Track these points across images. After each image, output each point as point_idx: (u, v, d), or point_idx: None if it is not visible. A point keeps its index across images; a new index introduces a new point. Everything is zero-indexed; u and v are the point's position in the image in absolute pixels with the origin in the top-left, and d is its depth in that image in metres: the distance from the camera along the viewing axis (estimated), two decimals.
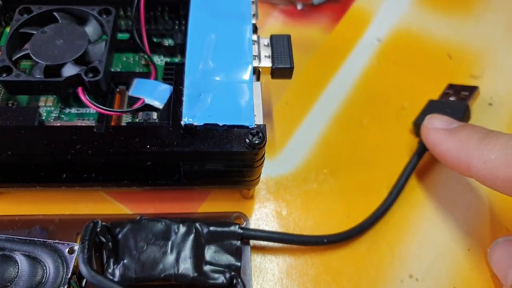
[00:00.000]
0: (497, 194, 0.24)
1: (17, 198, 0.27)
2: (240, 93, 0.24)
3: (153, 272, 0.23)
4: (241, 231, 0.25)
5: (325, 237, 0.26)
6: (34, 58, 0.24)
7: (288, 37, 0.27)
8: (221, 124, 0.23)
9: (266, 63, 0.26)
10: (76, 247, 0.23)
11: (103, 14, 0.26)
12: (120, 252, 0.23)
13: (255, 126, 0.23)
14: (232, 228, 0.25)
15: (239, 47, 0.25)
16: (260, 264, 0.26)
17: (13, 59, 0.24)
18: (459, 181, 0.29)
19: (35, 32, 0.25)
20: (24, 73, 0.24)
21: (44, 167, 0.25)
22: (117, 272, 0.23)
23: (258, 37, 0.27)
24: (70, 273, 0.22)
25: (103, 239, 0.23)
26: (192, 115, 0.23)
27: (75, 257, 0.22)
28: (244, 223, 0.27)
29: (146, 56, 0.28)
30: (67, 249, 0.23)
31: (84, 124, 0.25)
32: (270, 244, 0.27)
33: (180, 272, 0.23)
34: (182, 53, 0.28)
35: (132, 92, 0.25)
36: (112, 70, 0.27)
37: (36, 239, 0.23)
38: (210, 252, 0.24)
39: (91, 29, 0.26)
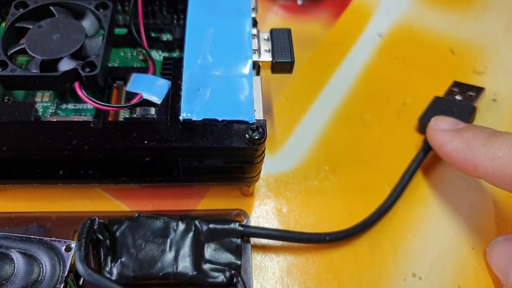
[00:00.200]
0: (502, 191, 0.23)
1: (14, 195, 0.27)
2: (240, 88, 0.23)
3: (152, 271, 0.23)
4: (242, 228, 0.24)
5: (327, 234, 0.26)
6: (30, 52, 0.24)
7: (288, 31, 0.26)
8: (220, 119, 0.22)
9: (266, 57, 0.25)
10: (73, 245, 0.23)
11: (100, 8, 0.26)
12: (118, 250, 0.23)
13: (255, 121, 0.23)
14: (232, 225, 0.24)
15: (239, 41, 0.25)
16: (260, 263, 0.26)
17: (9, 53, 0.24)
18: (464, 178, 0.29)
19: (31, 27, 0.25)
20: (20, 68, 0.23)
21: (41, 163, 0.24)
22: (115, 270, 0.23)
23: (258, 31, 0.26)
24: (67, 271, 0.22)
25: (101, 237, 0.23)
26: (190, 110, 0.23)
27: (72, 255, 0.22)
28: (245, 221, 0.27)
29: (144, 51, 0.28)
30: (64, 247, 0.23)
31: (81, 120, 0.25)
32: (271, 242, 0.26)
33: (179, 270, 0.23)
34: (181, 48, 0.28)
35: (130, 87, 0.25)
36: (110, 65, 0.27)
37: (32, 236, 0.23)
38: (209, 250, 0.24)
39: (88, 23, 0.26)
